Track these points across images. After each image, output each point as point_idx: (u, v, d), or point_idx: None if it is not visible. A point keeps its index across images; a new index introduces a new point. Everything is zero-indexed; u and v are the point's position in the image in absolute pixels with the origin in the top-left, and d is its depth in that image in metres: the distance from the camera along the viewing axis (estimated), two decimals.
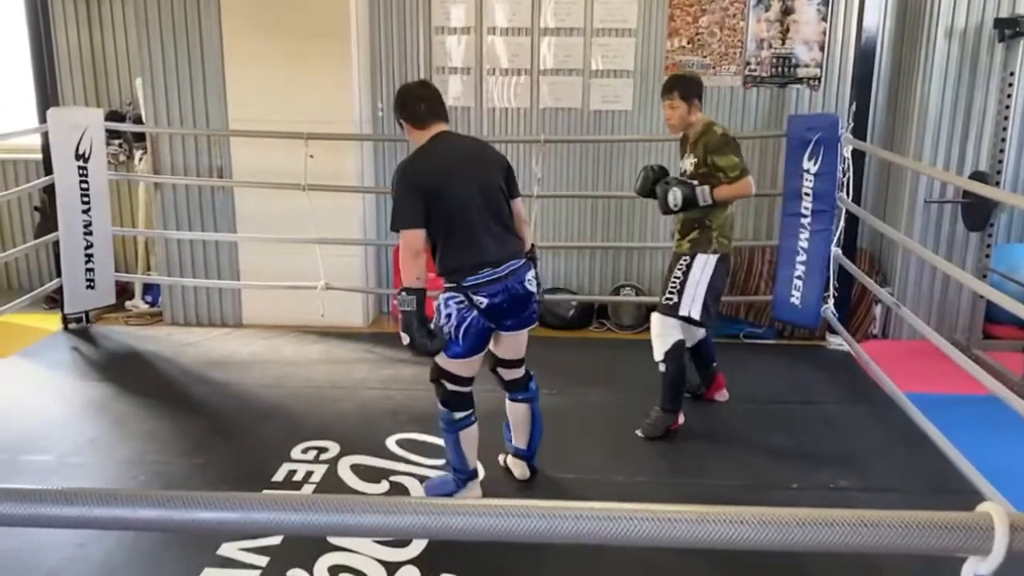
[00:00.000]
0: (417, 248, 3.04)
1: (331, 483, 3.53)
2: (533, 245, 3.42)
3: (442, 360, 3.22)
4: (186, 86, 5.57)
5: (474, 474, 3.42)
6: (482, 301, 3.10)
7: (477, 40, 5.80)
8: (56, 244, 5.31)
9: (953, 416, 3.98)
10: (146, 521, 1.15)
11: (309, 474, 3.62)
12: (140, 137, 5.91)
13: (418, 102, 3.19)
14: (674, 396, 4.01)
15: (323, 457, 3.77)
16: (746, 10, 5.65)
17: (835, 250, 4.97)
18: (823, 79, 5.71)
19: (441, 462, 3.71)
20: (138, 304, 6.12)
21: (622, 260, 6.08)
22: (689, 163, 3.94)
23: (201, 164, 5.69)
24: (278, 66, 5.42)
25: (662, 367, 3.98)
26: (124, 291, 6.06)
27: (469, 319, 3.12)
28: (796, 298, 5.11)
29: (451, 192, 3.05)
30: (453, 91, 5.87)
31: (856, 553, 0.85)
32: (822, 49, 5.67)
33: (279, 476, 3.59)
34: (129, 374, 4.84)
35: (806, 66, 5.71)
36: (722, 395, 4.45)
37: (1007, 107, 5.15)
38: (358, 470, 3.66)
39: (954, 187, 5.31)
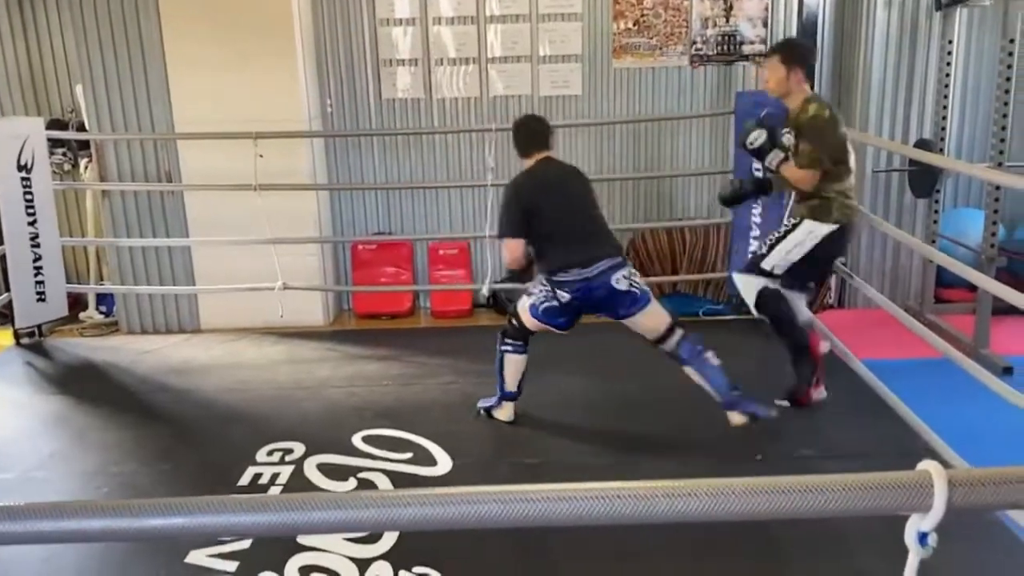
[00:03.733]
0: (516, 255, 3.77)
1: (298, 483, 3.51)
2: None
3: (522, 308, 3.89)
4: (129, 91, 5.46)
5: (510, 396, 4.00)
6: (564, 295, 3.71)
7: (423, 30, 5.77)
8: (3, 258, 5.19)
9: (909, 381, 4.07)
10: (105, 531, 1.13)
11: (275, 476, 3.59)
12: (84, 145, 5.79)
13: (523, 134, 3.95)
14: (795, 337, 3.93)
15: (289, 458, 3.74)
16: None
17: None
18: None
19: (409, 455, 3.74)
20: (92, 315, 6.01)
21: None
22: (787, 138, 3.81)
23: (149, 169, 5.59)
24: (222, 66, 5.34)
25: (759, 316, 4.00)
26: (77, 302, 5.95)
27: (546, 304, 3.78)
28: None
29: (547, 207, 3.71)
30: (402, 83, 5.84)
31: (804, 518, 0.87)
32: (765, 25, 5.73)
33: (245, 479, 3.56)
34: (87, 386, 4.76)
35: (751, 43, 5.76)
36: (819, 392, 4.09)
37: (947, 75, 5.24)
38: (325, 469, 3.64)
39: (900, 156, 5.40)
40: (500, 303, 5.92)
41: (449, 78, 5.82)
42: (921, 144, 5.33)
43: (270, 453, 3.79)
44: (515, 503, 1.06)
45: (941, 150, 5.31)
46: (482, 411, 4.09)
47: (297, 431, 4.00)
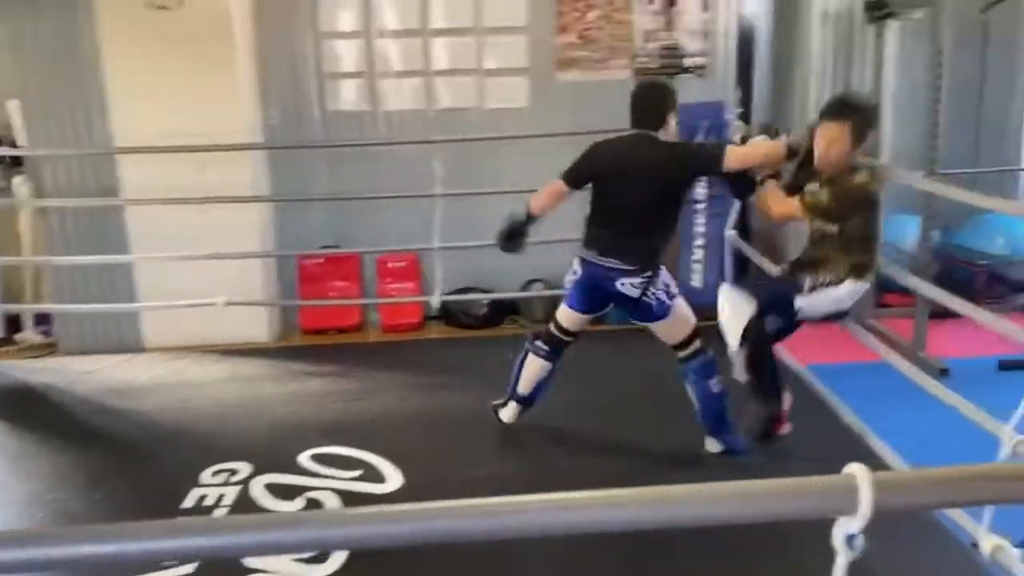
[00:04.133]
0: (544, 193, 3.88)
1: (244, 504, 3.45)
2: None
3: (561, 308, 3.92)
4: (64, 106, 5.33)
5: (520, 399, 4.01)
6: (577, 270, 3.76)
7: (368, 43, 5.74)
8: None
9: (850, 383, 4.16)
10: (39, 561, 1.09)
11: (221, 497, 3.52)
12: (18, 161, 5.64)
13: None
14: (767, 388, 3.62)
15: (234, 479, 3.68)
16: (632, 3, 5.75)
17: (729, 232, 5.12)
18: (709, 67, 5.85)
19: (358, 473, 3.70)
20: (29, 336, 5.83)
21: (531, 255, 6.08)
22: (824, 194, 3.41)
23: (87, 185, 5.46)
24: (163, 79, 5.24)
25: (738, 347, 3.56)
26: (14, 323, 5.78)
27: (571, 276, 3.83)
28: (697, 281, 5.24)
29: (606, 180, 3.69)
30: (346, 96, 5.81)
31: (735, 524, 0.88)
32: (706, 38, 5.82)
33: (189, 502, 3.49)
34: (22, 410, 4.63)
35: (692, 56, 5.84)
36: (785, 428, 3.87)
37: (881, 85, 5.39)
38: (272, 489, 3.59)
39: None
40: (451, 315, 5.91)
41: (395, 90, 5.80)
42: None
43: (215, 474, 3.72)
44: (468, 518, 1.06)
45: (877, 158, 5.45)
46: (494, 407, 4.10)
47: (243, 450, 3.93)
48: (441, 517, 1.07)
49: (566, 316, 3.88)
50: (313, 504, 3.46)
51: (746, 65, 5.32)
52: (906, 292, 5.84)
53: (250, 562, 2.96)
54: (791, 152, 3.55)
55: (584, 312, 3.85)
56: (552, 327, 3.93)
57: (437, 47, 5.77)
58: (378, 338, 5.84)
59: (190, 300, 5.32)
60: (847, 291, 3.48)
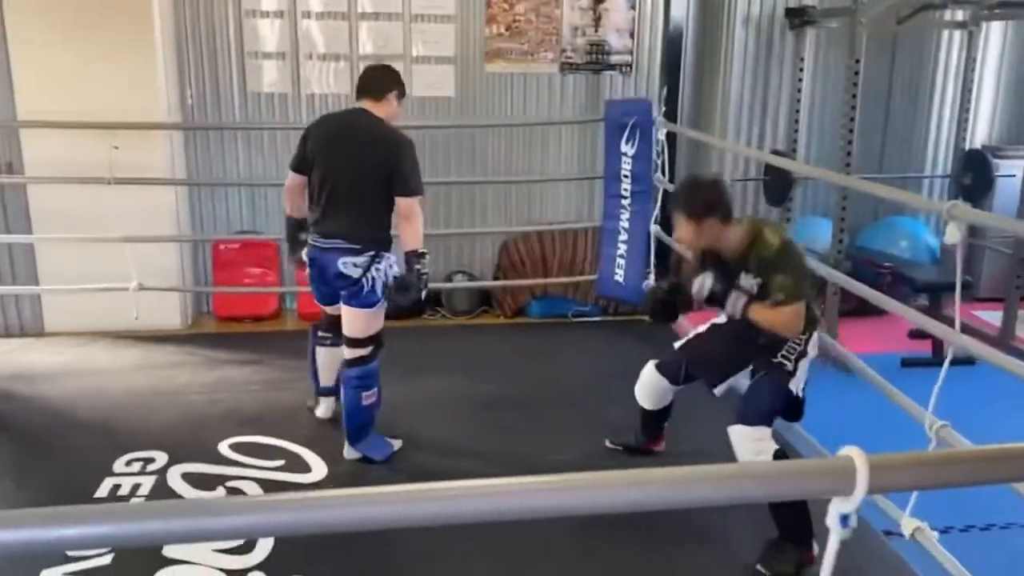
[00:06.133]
0: (289, 187, 3.68)
1: (162, 494, 3.33)
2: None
3: None
4: None
5: (324, 391, 3.99)
6: (306, 254, 3.61)
7: (292, 24, 5.60)
8: None
9: None
10: None
11: (137, 487, 3.39)
12: None
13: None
14: (801, 525, 2.91)
15: (150, 468, 3.54)
16: None
17: (654, 228, 5.22)
18: (634, 66, 5.95)
19: (281, 463, 3.63)
20: None
21: (453, 247, 6.09)
22: (746, 280, 3.02)
23: None
24: (73, 52, 4.99)
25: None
26: None
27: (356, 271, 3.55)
28: (620, 276, 5.32)
29: (323, 157, 3.50)
30: (268, 77, 5.65)
31: (737, 504, 0.89)
32: (632, 37, 5.91)
33: (102, 491, 3.35)
34: None
35: (618, 53, 5.92)
36: (660, 446, 3.82)
37: (799, 90, 5.59)
38: (191, 478, 3.47)
39: (756, 166, 5.71)
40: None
41: (318, 74, 5.68)
42: (775, 154, 5.65)
43: (129, 463, 3.58)
44: (391, 504, 1.04)
45: (793, 160, 5.65)
46: (309, 408, 4.13)
47: (158, 440, 3.79)
48: (366, 503, 1.05)
49: (324, 310, 3.85)
50: (234, 493, 3.36)
51: (673, 64, 5.42)
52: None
53: (170, 550, 2.86)
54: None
55: (326, 304, 3.74)
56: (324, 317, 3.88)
57: (363, 31, 5.67)
58: (296, 326, 5.70)
59: (97, 283, 5.09)
60: (813, 343, 3.12)
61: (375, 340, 3.60)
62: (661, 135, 5.13)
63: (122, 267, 5.02)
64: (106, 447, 3.70)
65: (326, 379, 3.95)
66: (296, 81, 5.68)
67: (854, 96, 4.78)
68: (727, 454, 3.25)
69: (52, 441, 3.84)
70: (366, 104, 3.50)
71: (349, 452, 3.67)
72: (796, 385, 3.04)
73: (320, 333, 3.91)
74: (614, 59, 5.93)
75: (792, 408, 3.12)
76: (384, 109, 3.51)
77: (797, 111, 5.61)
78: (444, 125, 5.79)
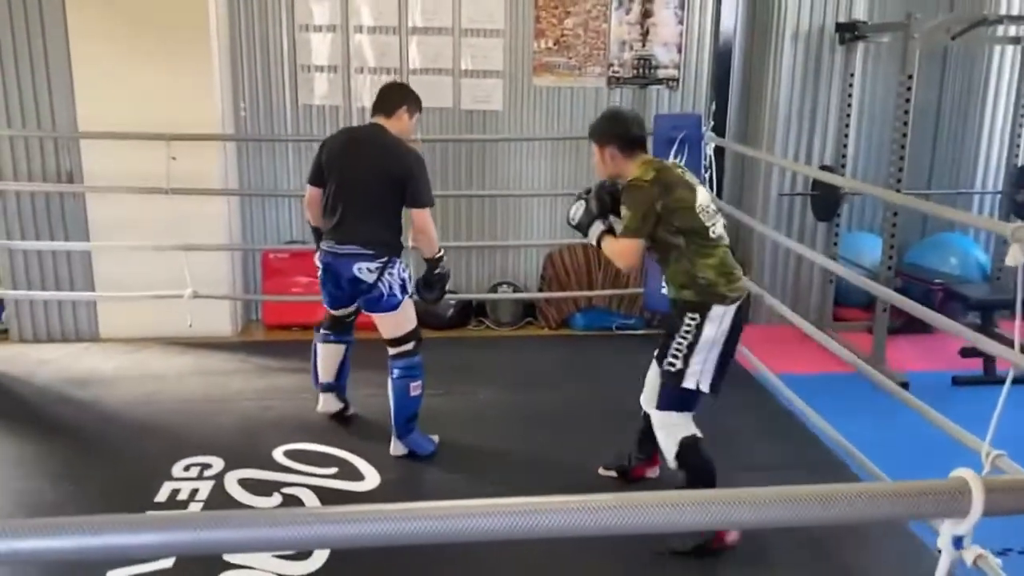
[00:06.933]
0: (309, 200, 3.83)
1: (219, 499, 3.39)
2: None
3: None
4: (28, 87, 5.16)
5: (324, 387, 4.13)
6: (319, 260, 3.82)
7: (343, 38, 5.70)
8: None
9: (811, 393, 4.26)
10: (13, 552, 1.04)
11: (195, 491, 3.46)
12: None
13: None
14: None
15: (208, 473, 3.61)
16: (608, 12, 5.83)
17: None
18: (681, 80, 5.96)
19: (334, 470, 3.67)
20: None
21: (498, 258, 6.13)
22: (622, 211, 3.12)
23: (48, 169, 5.30)
24: (133, 65, 5.12)
25: (680, 472, 3.14)
26: None
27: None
28: (666, 288, 5.31)
29: (336, 172, 3.70)
30: (320, 90, 5.75)
31: (848, 524, 0.90)
32: (679, 51, 5.92)
33: (162, 496, 3.41)
34: None
35: (665, 67, 5.94)
36: (653, 471, 3.66)
37: (848, 105, 5.55)
38: (247, 484, 3.53)
39: (804, 180, 5.68)
40: (418, 316, 5.87)
41: (369, 87, 5.76)
42: (824, 169, 5.62)
43: (187, 468, 3.65)
44: (449, 519, 1.06)
45: (842, 175, 5.61)
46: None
47: (214, 445, 3.86)
48: (423, 518, 1.07)
49: (330, 311, 4.03)
50: (290, 500, 3.42)
51: (721, 79, 5.43)
52: (860, 307, 6.05)
53: (231, 556, 2.91)
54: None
55: (334, 308, 3.97)
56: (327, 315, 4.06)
57: (414, 45, 5.75)
58: None
59: (151, 290, 5.21)
60: (714, 324, 2.99)
61: (414, 335, 3.81)
62: (710, 149, 5.13)
63: (174, 274, 5.13)
64: (164, 452, 3.78)
65: (325, 375, 4.11)
66: (347, 94, 5.77)
67: (906, 112, 4.75)
68: (781, 470, 3.24)
69: (110, 445, 3.92)
70: (379, 120, 3.71)
71: (396, 448, 3.82)
72: (692, 379, 3.03)
73: (322, 330, 4.09)
74: (661, 73, 5.94)
75: (686, 402, 3.11)
76: (396, 125, 3.70)
77: (846, 126, 5.58)
78: (493, 138, 5.85)
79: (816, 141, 5.71)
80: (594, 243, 3.19)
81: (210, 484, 3.52)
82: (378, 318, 3.76)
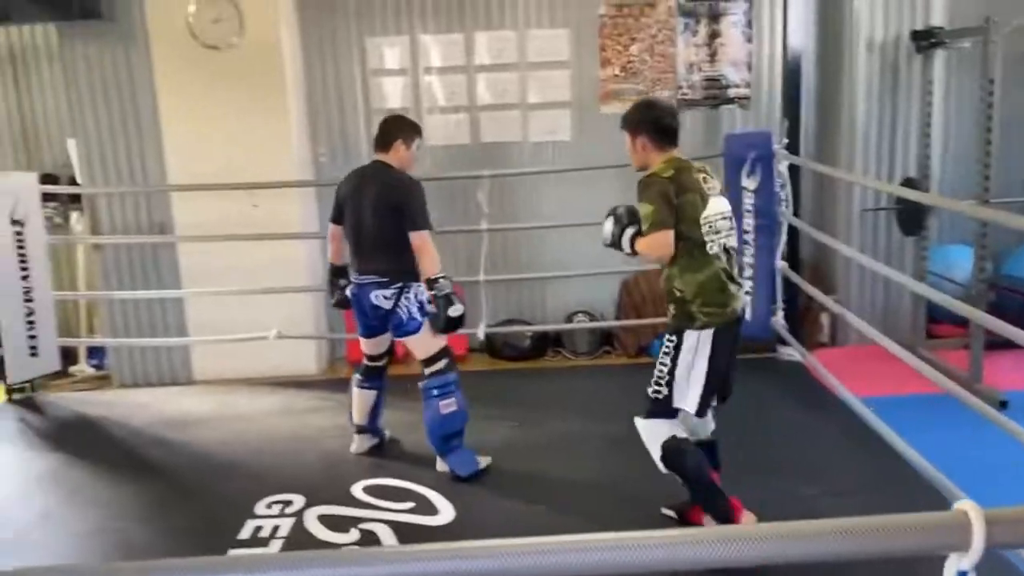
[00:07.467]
0: (331, 236, 4.13)
1: (299, 536, 3.47)
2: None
3: None
4: (121, 145, 5.50)
5: (358, 429, 4.29)
6: (345, 290, 4.08)
7: (414, 80, 5.85)
8: None
9: (904, 416, 4.09)
10: None
11: (276, 529, 3.55)
12: (76, 198, 5.80)
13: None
14: (708, 495, 3.17)
15: (289, 510, 3.71)
16: (674, 36, 5.80)
17: (780, 263, 5.09)
18: (753, 98, 5.87)
19: (411, 505, 3.71)
20: (84, 368, 5.96)
21: (573, 287, 6.12)
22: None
23: (141, 221, 5.61)
24: (215, 119, 5.38)
25: (675, 476, 3.21)
26: (69, 356, 5.90)
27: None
28: (746, 312, 5.20)
29: (350, 201, 3.96)
30: None
31: (842, 562, 0.87)
32: (750, 69, 5.84)
33: (245, 533, 3.52)
34: (80, 441, 4.70)
35: (736, 86, 5.86)
36: (748, 516, 3.30)
37: (929, 114, 5.35)
38: (326, 520, 3.61)
39: (887, 193, 5.49)
40: (495, 347, 5.93)
41: (440, 126, 5.88)
42: (907, 182, 5.42)
43: (269, 506, 3.76)
44: (528, 556, 1.06)
45: (927, 188, 5.40)
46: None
47: (296, 482, 3.97)
48: (500, 555, 1.07)
49: (362, 344, 4.18)
50: (367, 535, 3.47)
51: (793, 95, 5.32)
52: (958, 322, 5.76)
53: None
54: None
55: (367, 337, 4.10)
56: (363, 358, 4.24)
57: (481, 82, 5.85)
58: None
59: (240, 333, 5.41)
60: (689, 349, 3.05)
61: (445, 354, 3.98)
62: (783, 167, 5.03)
63: (261, 317, 5.32)
64: (248, 490, 3.90)
65: (359, 418, 4.27)
66: None
67: (989, 118, 4.55)
68: (872, 495, 3.10)
69: (198, 484, 4.07)
70: (379, 155, 3.96)
71: (440, 465, 3.98)
72: (690, 400, 3.09)
73: (358, 376, 4.26)
74: (732, 93, 5.87)
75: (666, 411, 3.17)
76: (394, 157, 3.92)
77: (928, 136, 5.37)
78: (561, 169, 5.86)
79: (898, 153, 5.52)
80: (628, 249, 3.18)
81: (291, 521, 3.61)
82: (407, 342, 3.98)
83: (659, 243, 3.03)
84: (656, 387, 3.15)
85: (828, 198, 5.86)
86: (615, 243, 3.25)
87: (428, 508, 3.70)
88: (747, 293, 5.17)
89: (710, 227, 3.06)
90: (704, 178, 3.15)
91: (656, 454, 3.18)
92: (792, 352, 5.28)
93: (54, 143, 6.18)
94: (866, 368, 5.03)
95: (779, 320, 5.24)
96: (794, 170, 5.16)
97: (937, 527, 0.86)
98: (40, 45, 6.05)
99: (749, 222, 5.08)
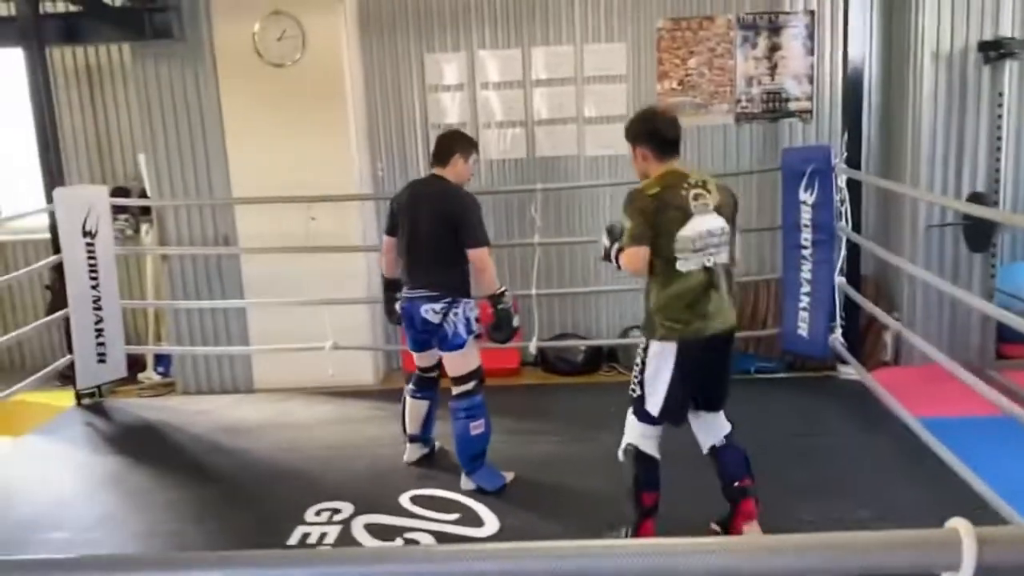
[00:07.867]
0: (384, 249, 4.17)
1: (345, 543, 3.53)
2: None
3: None
4: (188, 159, 5.69)
5: (411, 438, 4.32)
6: (398, 305, 4.09)
7: (471, 95, 5.91)
8: (67, 320, 5.36)
9: (969, 439, 3.94)
10: None
11: (323, 535, 3.61)
12: (146, 211, 6.01)
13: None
14: (634, 506, 3.34)
15: (337, 518, 3.77)
16: (733, 49, 5.74)
17: (839, 279, 4.98)
18: (814, 111, 5.77)
19: (456, 516, 3.73)
20: (150, 375, 6.16)
21: (628, 302, 6.08)
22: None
23: (207, 233, 5.78)
24: (278, 134, 5.53)
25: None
26: (136, 363, 6.10)
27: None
28: (803, 329, 5.10)
29: (407, 221, 3.97)
30: None
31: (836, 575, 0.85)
32: (811, 82, 5.74)
33: (293, 539, 3.59)
34: (142, 446, 4.86)
35: (796, 100, 5.77)
36: (751, 527, 3.43)
37: (999, 127, 5.18)
38: (372, 529, 3.65)
39: (954, 209, 5.32)
40: (548, 362, 5.92)
41: (496, 140, 5.93)
42: (974, 197, 5.25)
43: (318, 513, 3.82)
44: (569, 559, 1.06)
45: (995, 203, 5.22)
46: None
47: (346, 490, 4.03)
48: (538, 557, 1.08)
49: (414, 358, 4.22)
50: (411, 545, 3.49)
51: (854, 108, 5.21)
52: None
53: None
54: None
55: (417, 351, 4.13)
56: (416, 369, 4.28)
57: (538, 97, 5.88)
58: None
59: (299, 343, 5.52)
60: (654, 357, 3.18)
61: (476, 375, 4.00)
62: (842, 181, 4.92)
63: (320, 328, 5.43)
64: (299, 497, 3.98)
65: (412, 428, 4.32)
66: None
67: None
68: (930, 520, 2.99)
69: (251, 491, 4.17)
70: (436, 170, 3.99)
71: (465, 483, 4.01)
72: (654, 404, 3.22)
73: (410, 386, 4.31)
74: (792, 106, 5.78)
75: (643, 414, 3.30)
76: (452, 172, 3.96)
77: (998, 149, 5.19)
78: (616, 183, 5.83)
79: (966, 167, 5.35)
80: (615, 263, 3.25)
81: (338, 528, 3.66)
82: (445, 357, 4.01)
83: (633, 258, 3.12)
84: (632, 385, 3.31)
85: (892, 213, 5.71)
86: (607, 258, 3.33)
87: (474, 520, 3.72)
88: (804, 309, 5.07)
89: (690, 244, 3.09)
90: (696, 194, 3.14)
91: (621, 446, 3.38)
92: (851, 371, 5.15)
93: (126, 157, 6.42)
94: (929, 389, 4.87)
95: (838, 338, 5.11)
96: (855, 184, 5.04)
97: (928, 545, 0.84)
98: (115, 64, 6.31)
99: (807, 237, 4.98)
